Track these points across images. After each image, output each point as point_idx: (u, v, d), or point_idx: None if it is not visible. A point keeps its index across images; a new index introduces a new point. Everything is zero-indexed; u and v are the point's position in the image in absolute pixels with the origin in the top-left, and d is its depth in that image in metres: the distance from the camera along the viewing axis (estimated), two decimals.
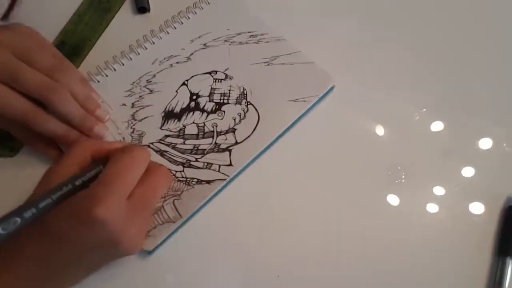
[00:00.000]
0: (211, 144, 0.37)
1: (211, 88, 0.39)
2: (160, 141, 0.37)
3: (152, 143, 0.37)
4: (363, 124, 0.39)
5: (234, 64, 0.40)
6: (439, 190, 0.37)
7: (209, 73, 0.40)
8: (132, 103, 0.38)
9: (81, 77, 0.36)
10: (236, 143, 0.37)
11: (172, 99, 0.39)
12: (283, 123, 0.37)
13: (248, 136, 0.37)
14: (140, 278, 0.33)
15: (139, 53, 0.40)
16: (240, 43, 0.41)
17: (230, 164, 0.36)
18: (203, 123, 0.38)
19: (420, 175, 0.37)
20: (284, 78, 0.39)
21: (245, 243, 0.35)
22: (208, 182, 0.35)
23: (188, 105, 0.39)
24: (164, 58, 0.40)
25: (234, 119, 0.38)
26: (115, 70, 0.40)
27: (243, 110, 0.38)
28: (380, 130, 0.39)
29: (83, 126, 0.34)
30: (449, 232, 0.35)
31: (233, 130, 0.37)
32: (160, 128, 0.38)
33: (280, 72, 0.40)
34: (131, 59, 0.40)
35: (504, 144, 0.39)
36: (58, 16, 0.42)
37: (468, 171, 0.38)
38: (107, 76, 0.39)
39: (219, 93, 0.39)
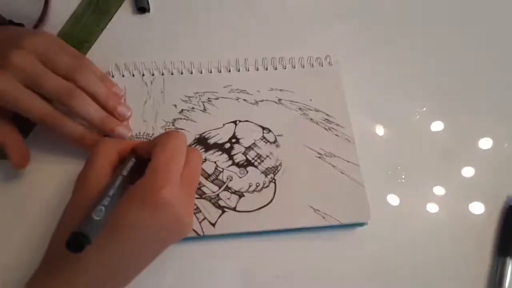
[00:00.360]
0: (213, 193, 0.35)
1: (254, 142, 0.37)
2: None
3: None
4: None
5: (290, 135, 0.37)
6: (439, 190, 0.37)
7: (263, 128, 0.38)
8: (182, 109, 0.38)
9: (100, 74, 0.36)
10: (234, 209, 0.34)
11: (214, 129, 0.37)
12: (287, 224, 0.33)
13: (248, 211, 0.34)
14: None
15: (220, 71, 0.40)
16: (311, 119, 0.38)
17: (213, 224, 0.34)
18: (222, 169, 0.36)
19: (420, 175, 0.37)
20: (324, 182, 0.35)
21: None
22: None
23: (223, 144, 0.37)
24: (237, 89, 0.39)
25: (250, 185, 0.35)
26: (191, 73, 0.40)
27: (264, 184, 0.35)
28: (380, 130, 0.39)
29: (104, 128, 0.34)
30: (449, 232, 0.35)
31: (241, 195, 0.35)
32: None
33: (325, 173, 0.35)
34: (211, 72, 0.40)
35: (506, 145, 0.39)
36: (56, 18, 0.42)
37: (468, 171, 0.37)
38: (182, 73, 0.40)
39: (256, 152, 0.36)
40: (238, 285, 0.33)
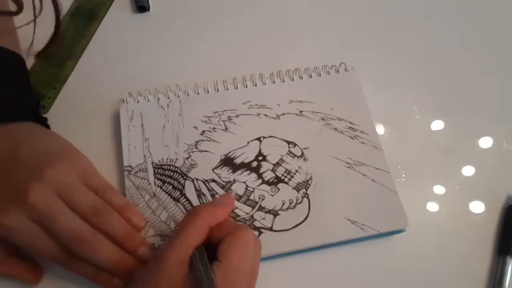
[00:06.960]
0: (247, 214, 0.34)
1: (281, 158, 0.36)
2: (205, 182, 0.35)
3: (197, 179, 0.36)
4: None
5: (316, 147, 0.37)
6: (439, 189, 0.37)
7: (288, 142, 0.37)
8: (203, 131, 0.37)
9: (122, 203, 0.33)
10: (271, 229, 0.34)
11: (239, 148, 0.37)
12: (326, 239, 0.33)
13: (286, 230, 0.34)
14: None
15: (237, 87, 0.39)
16: (335, 129, 0.38)
17: None
18: (253, 188, 0.35)
19: (420, 174, 0.37)
20: (357, 192, 0.35)
21: None
22: None
23: (250, 162, 0.36)
24: (257, 105, 0.39)
25: (283, 203, 0.35)
26: (207, 92, 0.39)
27: (297, 200, 0.35)
28: (380, 130, 0.39)
29: (119, 274, 0.31)
30: (449, 231, 0.35)
31: (275, 213, 0.34)
32: (213, 169, 0.36)
33: (357, 183, 0.35)
34: (227, 89, 0.39)
35: (504, 143, 0.39)
36: None
37: (468, 170, 0.38)
38: (198, 94, 0.39)
39: (285, 168, 0.36)
40: None
